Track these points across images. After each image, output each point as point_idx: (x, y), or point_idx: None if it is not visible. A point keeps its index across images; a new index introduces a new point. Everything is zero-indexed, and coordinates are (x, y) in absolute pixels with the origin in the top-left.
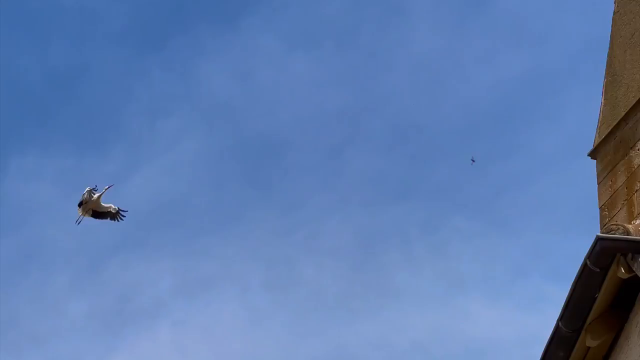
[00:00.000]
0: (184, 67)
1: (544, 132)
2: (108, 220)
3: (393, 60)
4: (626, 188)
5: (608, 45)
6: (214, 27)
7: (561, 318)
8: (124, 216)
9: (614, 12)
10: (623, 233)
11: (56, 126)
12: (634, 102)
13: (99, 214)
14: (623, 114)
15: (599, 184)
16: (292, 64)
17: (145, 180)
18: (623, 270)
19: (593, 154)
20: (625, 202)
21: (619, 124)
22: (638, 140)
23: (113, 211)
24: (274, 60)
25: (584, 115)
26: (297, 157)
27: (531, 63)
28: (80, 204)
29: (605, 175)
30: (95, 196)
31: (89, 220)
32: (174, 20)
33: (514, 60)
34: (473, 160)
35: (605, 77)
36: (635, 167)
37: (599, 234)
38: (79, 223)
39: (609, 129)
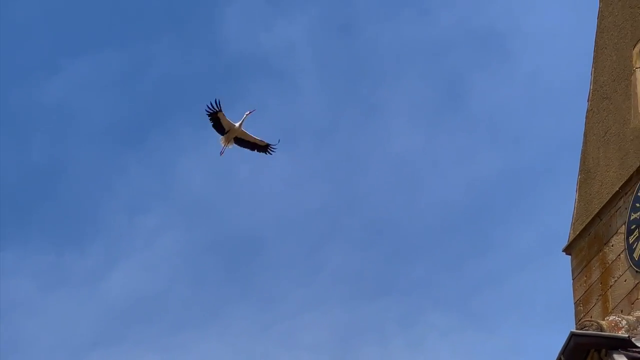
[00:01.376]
0: (163, 164)
1: (520, 229)
2: (255, 152)
3: (370, 159)
4: (601, 283)
5: (582, 143)
6: (192, 124)
7: None
8: (274, 150)
9: (587, 110)
10: (597, 329)
11: (35, 222)
12: (608, 198)
13: (244, 142)
14: (597, 209)
15: (574, 279)
16: (271, 161)
17: (124, 276)
18: None
19: (568, 250)
20: (600, 297)
21: (593, 219)
22: (612, 236)
23: (261, 144)
24: (251, 157)
25: (559, 212)
26: (275, 254)
27: (507, 161)
28: (222, 133)
29: (580, 270)
30: (237, 124)
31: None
32: (153, 116)
33: (490, 159)
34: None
35: (579, 174)
36: (610, 262)
37: (573, 330)
38: (222, 154)
39: (584, 225)
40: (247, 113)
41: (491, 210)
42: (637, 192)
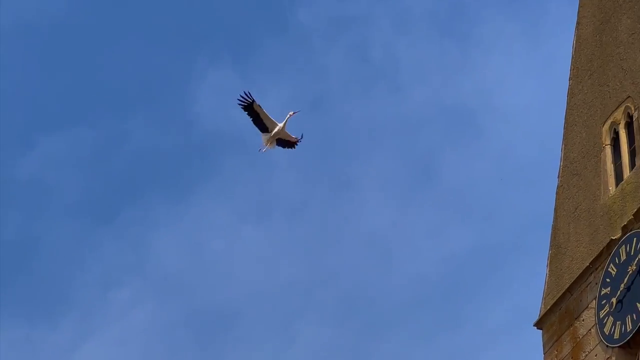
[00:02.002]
0: (136, 238)
1: (491, 304)
2: (287, 149)
3: (343, 233)
4: (571, 358)
5: (552, 219)
6: (165, 200)
7: None
8: (299, 142)
9: (558, 186)
10: None
11: (8, 297)
12: (579, 273)
13: (283, 141)
14: (568, 284)
15: (545, 353)
16: (243, 236)
17: (96, 350)
18: None
19: (539, 324)
20: None
21: (564, 294)
22: (583, 311)
23: (293, 140)
24: (224, 232)
25: (530, 287)
26: (249, 328)
27: (478, 237)
28: (262, 130)
29: (551, 345)
30: (281, 124)
31: None
32: (127, 192)
33: (462, 234)
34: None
35: (550, 250)
36: (581, 337)
37: None
38: (261, 151)
39: (554, 300)
40: (290, 113)
41: (463, 285)
42: (607, 268)
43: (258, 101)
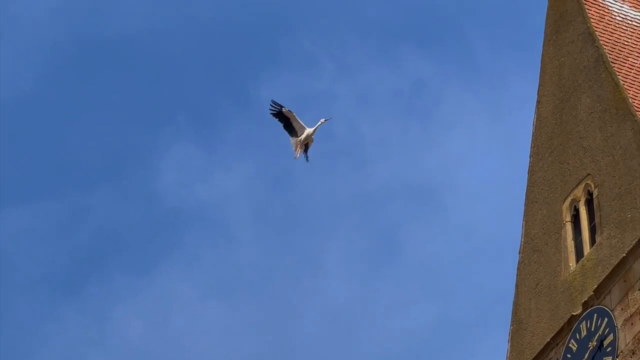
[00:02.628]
0: (99, 312)
1: None
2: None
3: (306, 309)
4: None
5: (513, 295)
6: (129, 274)
7: None
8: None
9: (519, 262)
10: None
11: None
12: (540, 349)
13: (306, 146)
14: None
15: None
16: (206, 311)
17: None
18: None
19: None
20: None
21: None
22: None
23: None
24: (188, 307)
25: None
26: None
27: (440, 312)
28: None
29: None
30: (311, 130)
31: None
32: (90, 265)
33: (424, 310)
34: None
35: (511, 325)
36: None
37: None
38: (296, 159)
39: None
40: (322, 120)
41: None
42: (568, 343)
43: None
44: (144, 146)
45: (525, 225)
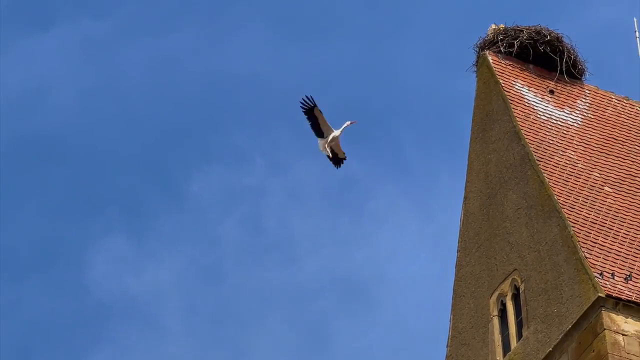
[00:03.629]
0: None
1: None
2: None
3: None
4: None
5: None
6: None
7: None
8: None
9: (447, 356)
10: None
11: None
12: None
13: (335, 154)
14: None
15: None
16: None
17: None
18: None
19: None
20: None
21: None
22: None
23: (342, 156)
24: None
25: None
26: None
27: None
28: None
29: None
30: (337, 132)
31: None
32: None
33: None
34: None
35: None
36: None
37: None
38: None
39: None
40: (348, 123)
41: None
42: None
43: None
44: (75, 238)
45: (453, 319)
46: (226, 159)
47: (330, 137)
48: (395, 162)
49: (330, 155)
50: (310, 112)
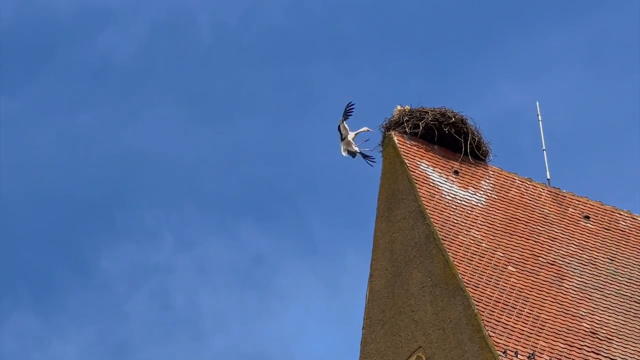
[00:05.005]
0: None
1: None
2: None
3: None
4: None
5: None
6: None
7: None
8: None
9: None
10: None
11: None
12: None
13: (350, 152)
14: None
15: None
16: None
17: None
18: None
19: None
20: None
21: None
22: None
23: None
24: None
25: None
26: None
27: None
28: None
29: None
30: (353, 134)
31: None
32: None
33: None
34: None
35: None
36: None
37: None
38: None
39: None
40: (364, 128)
41: None
42: None
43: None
44: None
45: None
46: (135, 236)
47: (346, 139)
48: (302, 239)
49: (357, 150)
50: (348, 113)
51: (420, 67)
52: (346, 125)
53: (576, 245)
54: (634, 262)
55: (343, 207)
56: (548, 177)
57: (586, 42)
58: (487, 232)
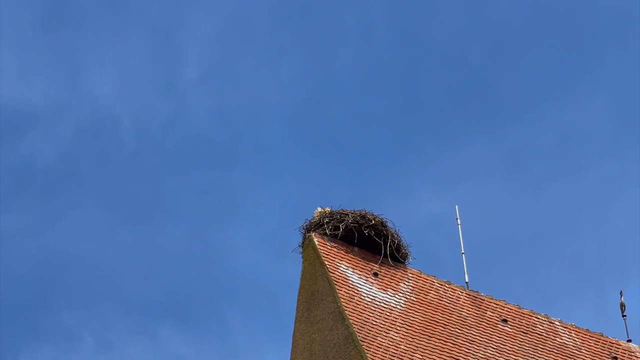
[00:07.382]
0: None
1: None
2: None
3: None
4: None
5: None
6: None
7: None
8: None
9: None
10: None
11: None
12: None
13: None
14: None
15: None
16: None
17: None
18: None
19: None
20: None
21: None
22: None
23: None
24: None
25: None
26: None
27: None
28: None
29: None
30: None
31: None
32: None
33: None
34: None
35: None
36: None
37: None
38: None
39: None
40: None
41: None
42: None
43: None
44: None
45: None
46: (55, 337)
47: None
48: (222, 343)
49: None
50: None
51: (341, 173)
52: None
53: (494, 348)
54: None
55: (263, 309)
56: (467, 280)
57: (505, 152)
58: (406, 334)
